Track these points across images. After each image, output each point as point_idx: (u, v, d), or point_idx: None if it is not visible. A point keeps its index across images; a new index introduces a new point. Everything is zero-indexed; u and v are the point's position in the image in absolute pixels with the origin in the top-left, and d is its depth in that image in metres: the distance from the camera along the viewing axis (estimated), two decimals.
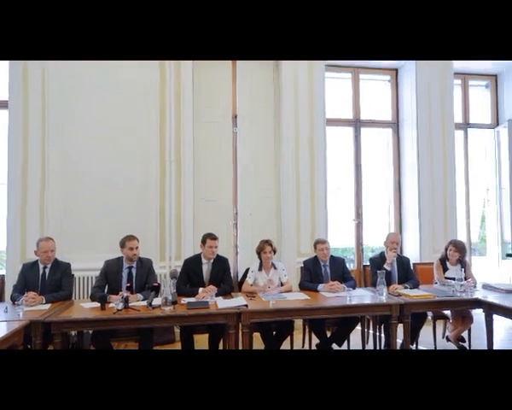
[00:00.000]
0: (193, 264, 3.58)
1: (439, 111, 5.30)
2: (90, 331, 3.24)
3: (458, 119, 5.64)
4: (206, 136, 4.81)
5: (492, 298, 3.30)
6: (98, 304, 2.99)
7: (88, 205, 4.34)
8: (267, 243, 3.64)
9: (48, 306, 3.08)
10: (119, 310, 2.87)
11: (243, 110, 4.93)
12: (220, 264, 3.60)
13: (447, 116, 5.33)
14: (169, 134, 4.56)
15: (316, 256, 3.79)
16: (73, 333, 3.29)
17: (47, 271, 3.34)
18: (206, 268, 3.57)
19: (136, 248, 3.37)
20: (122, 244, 3.37)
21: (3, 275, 3.74)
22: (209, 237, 3.55)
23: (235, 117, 4.92)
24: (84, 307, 3.06)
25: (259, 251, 3.66)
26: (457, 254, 3.81)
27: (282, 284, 3.66)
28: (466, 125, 5.77)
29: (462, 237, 5.38)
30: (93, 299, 3.21)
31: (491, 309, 3.27)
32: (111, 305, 3.00)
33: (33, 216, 4.24)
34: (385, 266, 3.69)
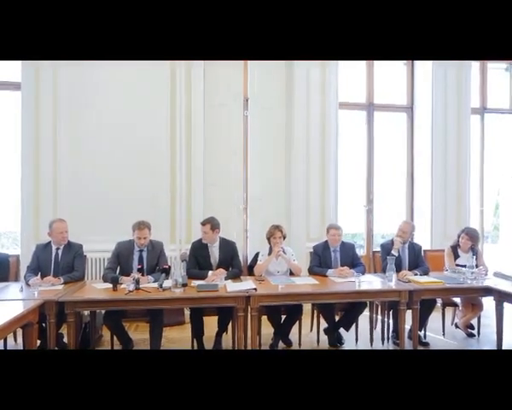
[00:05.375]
0: (199, 247, 3.61)
1: (456, 95, 5.16)
2: (103, 311, 3.32)
3: (475, 103, 5.49)
4: (217, 119, 4.77)
5: (503, 286, 3.26)
6: (110, 285, 3.05)
7: (99, 188, 4.39)
8: (277, 228, 3.64)
9: (61, 286, 3.16)
10: (130, 291, 2.92)
11: (254, 93, 4.87)
12: (227, 248, 3.62)
13: (463, 100, 5.19)
14: (179, 117, 4.54)
15: (326, 241, 3.78)
16: (86, 313, 3.37)
17: (60, 252, 3.41)
18: (212, 251, 3.59)
19: (145, 238, 3.37)
20: (133, 229, 3.41)
21: (18, 255, 3.83)
22: (201, 223, 3.59)
23: (247, 100, 4.87)
24: (96, 288, 3.13)
25: (269, 236, 3.66)
26: (469, 242, 3.76)
27: (290, 272, 3.67)
28: (483, 109, 5.61)
29: (474, 224, 5.30)
30: (105, 280, 3.27)
31: (501, 297, 3.24)
32: (122, 286, 3.05)
33: (46, 198, 4.31)
34: (392, 251, 3.66)
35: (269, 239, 3.67)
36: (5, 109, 4.62)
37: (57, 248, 3.41)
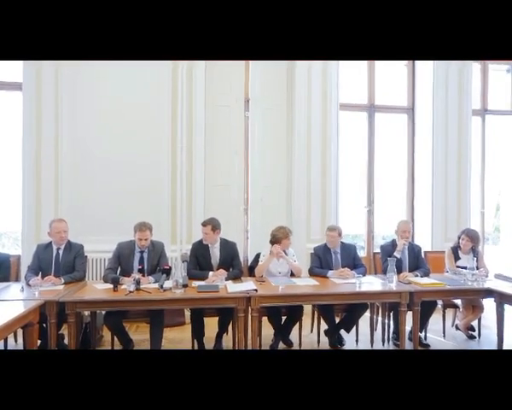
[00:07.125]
0: (200, 247, 3.61)
1: (457, 96, 5.16)
2: (103, 312, 3.32)
3: (476, 104, 5.48)
4: (218, 120, 4.78)
5: (504, 288, 3.26)
6: (111, 285, 3.05)
7: (101, 188, 4.39)
8: (290, 231, 3.60)
9: (62, 286, 3.16)
10: (131, 292, 2.92)
11: (256, 94, 4.88)
12: (228, 248, 3.62)
13: (464, 102, 5.19)
14: (180, 118, 4.55)
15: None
16: (87, 313, 3.37)
17: (60, 252, 3.41)
18: (212, 252, 3.59)
19: (146, 239, 3.35)
20: (134, 230, 3.40)
21: (19, 255, 3.83)
22: (201, 224, 3.58)
23: (248, 101, 4.87)
24: (97, 288, 3.13)
25: (285, 237, 3.54)
26: (470, 243, 3.76)
27: (291, 273, 3.67)
28: (484, 111, 5.61)
29: (475, 225, 5.29)
30: (106, 280, 3.27)
31: (502, 299, 3.24)
32: (123, 287, 3.04)
33: (48, 198, 4.32)
34: (395, 253, 3.66)
35: (280, 239, 3.55)
36: (6, 109, 4.63)
37: (58, 249, 3.41)
